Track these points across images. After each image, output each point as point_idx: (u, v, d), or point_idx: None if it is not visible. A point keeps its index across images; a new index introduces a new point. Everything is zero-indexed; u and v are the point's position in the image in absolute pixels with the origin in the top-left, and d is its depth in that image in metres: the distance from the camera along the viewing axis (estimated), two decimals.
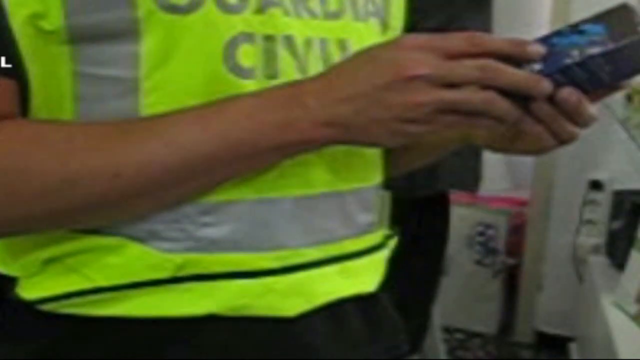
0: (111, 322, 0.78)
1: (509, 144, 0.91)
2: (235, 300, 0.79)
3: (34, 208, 0.73)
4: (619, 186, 3.35)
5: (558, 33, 0.76)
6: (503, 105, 0.73)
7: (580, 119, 0.79)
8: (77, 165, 0.72)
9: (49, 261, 0.79)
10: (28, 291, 0.80)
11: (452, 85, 0.72)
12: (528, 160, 3.99)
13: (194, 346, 0.79)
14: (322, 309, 0.84)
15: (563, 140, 0.81)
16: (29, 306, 0.80)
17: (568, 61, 0.74)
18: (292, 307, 0.82)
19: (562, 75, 0.75)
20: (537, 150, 0.87)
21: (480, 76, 0.72)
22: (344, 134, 0.75)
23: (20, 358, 0.82)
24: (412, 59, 0.72)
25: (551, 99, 0.76)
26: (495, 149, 0.94)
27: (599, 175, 3.59)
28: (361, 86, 0.73)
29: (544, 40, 0.76)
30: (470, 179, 2.40)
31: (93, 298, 0.78)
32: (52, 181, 0.72)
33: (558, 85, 0.75)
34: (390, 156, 1.00)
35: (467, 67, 0.72)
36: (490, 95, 0.72)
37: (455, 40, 0.73)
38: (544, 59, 0.74)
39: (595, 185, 3.60)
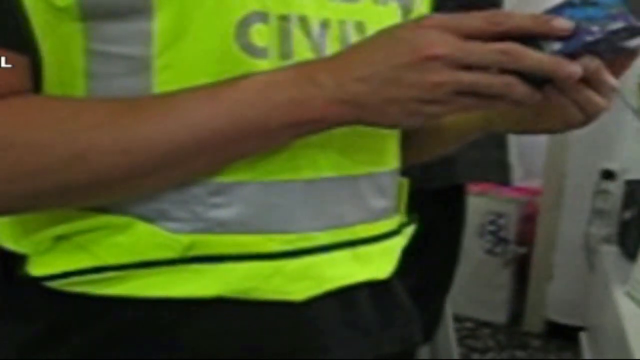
0: (118, 302, 0.78)
1: (532, 124, 0.89)
2: (243, 282, 0.79)
3: (41, 183, 0.73)
4: (631, 176, 3.34)
5: (570, 4, 0.73)
6: (522, 89, 0.71)
7: (602, 88, 0.76)
8: (85, 141, 0.72)
9: (59, 239, 0.79)
10: (37, 268, 0.80)
11: (470, 67, 0.70)
12: (540, 149, 3.99)
13: (200, 328, 0.79)
14: (333, 294, 0.84)
15: (589, 112, 0.79)
16: (37, 283, 0.80)
17: (589, 38, 0.72)
18: (300, 290, 0.81)
19: (584, 51, 0.72)
20: (564, 127, 0.86)
21: (501, 59, 0.70)
22: (359, 114, 0.74)
23: (27, 335, 0.83)
24: (431, 39, 0.70)
25: None
26: (518, 131, 0.93)
27: (611, 165, 3.58)
28: (378, 65, 0.72)
29: (557, 12, 0.73)
30: (496, 170, 2.38)
31: (101, 276, 0.78)
32: (60, 156, 0.72)
33: (577, 56, 0.72)
34: (409, 142, 1.00)
35: (489, 50, 0.70)
36: (510, 79, 0.71)
37: (476, 19, 0.71)
38: (562, 35, 0.72)
39: (608, 174, 3.59)
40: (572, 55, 0.72)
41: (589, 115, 0.80)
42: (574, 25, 0.71)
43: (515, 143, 4.41)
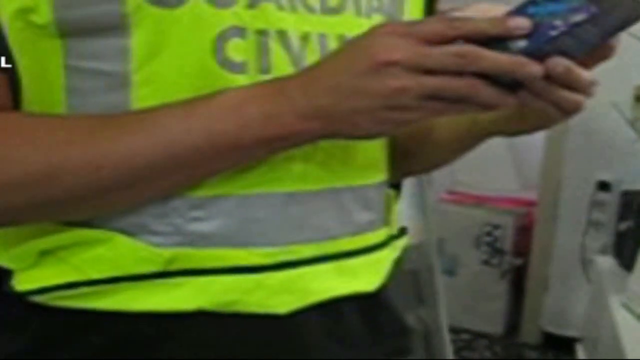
0: (101, 316, 0.78)
1: (517, 125, 0.89)
2: (225, 295, 0.78)
3: (14, 198, 0.73)
4: (626, 187, 3.35)
5: (533, 2, 0.73)
6: (486, 90, 0.71)
7: (577, 86, 0.75)
8: (58, 157, 0.72)
9: (44, 253, 0.79)
10: (22, 283, 0.80)
11: (431, 72, 0.70)
12: (536, 160, 4.00)
13: (183, 341, 0.79)
14: (318, 307, 0.83)
15: (567, 110, 0.77)
16: (22, 298, 0.80)
17: (553, 33, 0.71)
18: (283, 303, 0.81)
19: (549, 46, 0.71)
20: (546, 125, 0.86)
21: (458, 62, 0.69)
22: (329, 127, 0.74)
23: (14, 349, 0.83)
24: (387, 44, 0.70)
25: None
26: (505, 133, 0.93)
27: (607, 176, 3.59)
28: (340, 76, 0.72)
29: (520, 11, 0.72)
30: None
31: (84, 291, 0.78)
32: (33, 172, 0.72)
33: (546, 56, 0.72)
34: (405, 154, 1.00)
35: (445, 54, 0.69)
36: (472, 81, 0.70)
37: (433, 24, 0.71)
38: (526, 32, 0.71)
39: (603, 186, 3.60)
40: (541, 52, 0.71)
41: (567, 113, 0.78)
42: (530, 24, 0.71)
43: (510, 155, 4.42)
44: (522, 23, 0.71)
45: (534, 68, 0.70)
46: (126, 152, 0.73)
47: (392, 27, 0.72)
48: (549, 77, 0.72)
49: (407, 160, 1.01)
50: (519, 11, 0.72)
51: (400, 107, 0.71)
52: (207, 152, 0.74)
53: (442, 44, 0.70)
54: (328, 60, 0.75)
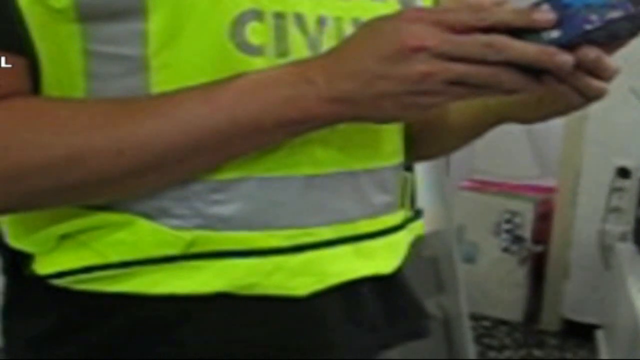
0: (121, 299, 0.79)
1: (533, 112, 0.90)
2: (245, 278, 0.79)
3: (37, 183, 0.74)
4: None
5: None
6: (511, 77, 0.71)
7: (602, 73, 0.75)
8: (80, 142, 0.73)
9: (64, 237, 0.80)
10: (42, 267, 0.81)
11: (457, 59, 0.70)
12: (555, 147, 3.99)
13: (202, 324, 0.80)
14: (336, 289, 0.84)
15: (589, 97, 0.78)
16: (43, 282, 0.80)
17: (588, 27, 0.71)
18: (302, 286, 0.81)
19: (582, 39, 0.71)
20: (562, 112, 0.86)
21: (487, 51, 0.70)
22: (352, 110, 0.74)
23: (36, 332, 0.84)
24: (416, 31, 0.70)
25: None
26: (519, 120, 0.93)
27: (627, 162, 3.58)
28: (365, 60, 0.72)
29: (555, 1, 0.72)
30: None
31: (104, 274, 0.78)
32: (56, 157, 0.73)
33: (577, 45, 0.72)
34: (420, 138, 1.01)
35: (473, 43, 0.70)
36: (498, 69, 0.71)
37: (461, 14, 0.71)
38: (559, 23, 0.71)
39: (623, 172, 3.59)
40: (572, 44, 0.71)
41: (589, 99, 0.79)
42: (555, 17, 0.71)
43: (530, 142, 4.41)
44: (546, 16, 0.71)
45: (564, 58, 0.71)
46: (148, 136, 0.73)
47: (420, 14, 0.72)
48: (576, 64, 0.73)
49: (419, 144, 1.01)
50: (554, 0, 0.72)
51: (426, 92, 0.72)
52: (228, 136, 0.74)
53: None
54: (350, 43, 0.75)
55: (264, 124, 0.74)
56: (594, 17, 0.71)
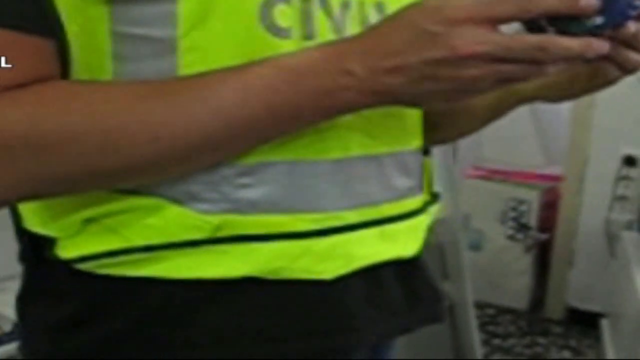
0: (148, 283, 0.79)
1: (569, 89, 0.90)
2: (272, 262, 0.79)
3: (71, 169, 0.73)
4: None
5: None
6: (555, 65, 0.72)
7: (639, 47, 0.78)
8: (115, 126, 0.72)
9: (88, 221, 0.80)
10: (66, 251, 0.80)
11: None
12: (562, 135, 3.98)
13: (229, 309, 0.80)
14: (360, 273, 0.84)
15: (627, 69, 0.80)
16: (67, 266, 0.80)
17: (632, 12, 0.72)
18: (329, 269, 0.82)
19: (625, 23, 0.73)
20: (603, 85, 0.87)
21: (537, 55, 0.70)
22: (393, 102, 0.74)
23: (58, 317, 0.84)
24: (467, 37, 0.69)
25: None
26: (554, 99, 0.94)
27: (633, 151, 3.57)
28: (410, 57, 0.71)
29: None
30: None
31: (130, 258, 0.78)
32: (90, 143, 0.72)
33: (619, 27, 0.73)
34: (438, 122, 1.01)
35: (525, 46, 0.70)
36: (545, 67, 0.71)
37: (506, 7, 0.70)
38: (603, 9, 0.71)
39: (629, 160, 3.59)
40: (615, 28, 0.73)
41: (626, 72, 0.81)
42: (599, 3, 0.70)
43: (536, 130, 4.41)
44: (592, 3, 0.70)
45: (600, 45, 0.71)
46: (183, 124, 0.73)
47: (468, 13, 0.70)
48: (616, 38, 0.75)
49: (439, 127, 1.02)
50: None
51: (474, 90, 0.73)
52: (265, 124, 0.74)
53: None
54: (388, 35, 0.73)
55: (301, 113, 0.74)
56: (637, 1, 0.72)
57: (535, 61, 0.71)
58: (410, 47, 0.71)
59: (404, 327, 0.93)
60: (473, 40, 0.69)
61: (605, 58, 0.76)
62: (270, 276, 0.80)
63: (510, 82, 0.73)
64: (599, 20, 0.71)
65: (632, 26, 0.74)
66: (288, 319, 0.82)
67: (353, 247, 0.83)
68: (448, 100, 0.75)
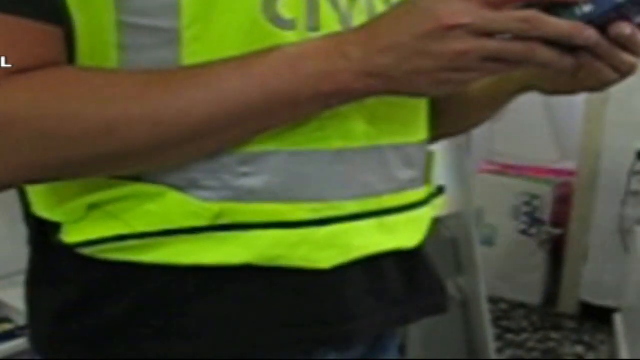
0: (149, 269, 0.80)
1: (567, 85, 0.90)
2: (271, 250, 0.80)
3: (72, 153, 0.74)
4: None
5: None
6: (546, 53, 0.72)
7: (636, 49, 0.77)
8: (116, 112, 0.73)
9: (92, 207, 0.81)
10: (70, 236, 0.81)
11: (493, 34, 0.71)
12: (575, 130, 3.97)
13: (228, 295, 0.81)
14: (359, 262, 0.85)
15: (623, 72, 0.80)
16: (71, 250, 0.81)
17: (619, 0, 0.72)
18: (327, 258, 0.82)
19: (614, 13, 0.73)
20: (600, 86, 0.86)
21: (523, 27, 0.71)
22: (387, 85, 0.75)
23: (61, 301, 0.85)
24: (454, 8, 0.71)
25: (603, 33, 0.74)
26: (550, 91, 0.94)
27: None
28: (401, 36, 0.73)
29: None
30: None
31: (131, 244, 0.79)
32: (92, 127, 0.73)
33: (609, 20, 0.73)
34: (442, 114, 1.01)
35: (510, 19, 0.71)
36: (533, 45, 0.72)
37: None
38: None
39: None
40: (604, 18, 0.73)
41: (623, 75, 0.81)
42: None
43: (550, 125, 4.40)
44: None
45: (588, 33, 0.72)
46: (184, 107, 0.74)
47: None
48: (610, 40, 0.75)
49: (444, 120, 1.02)
50: None
51: (461, 68, 0.73)
52: (264, 108, 0.75)
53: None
54: (385, 19, 0.75)
55: (299, 98, 0.75)
56: None
57: (521, 37, 0.71)
58: (402, 26, 0.73)
59: (404, 318, 0.94)
60: (459, 11, 0.71)
61: (600, 59, 0.77)
62: (269, 264, 0.81)
63: (498, 66, 0.74)
64: (587, 8, 0.72)
65: (627, 28, 0.74)
66: (286, 306, 0.83)
67: (351, 237, 0.84)
68: (439, 85, 0.75)
